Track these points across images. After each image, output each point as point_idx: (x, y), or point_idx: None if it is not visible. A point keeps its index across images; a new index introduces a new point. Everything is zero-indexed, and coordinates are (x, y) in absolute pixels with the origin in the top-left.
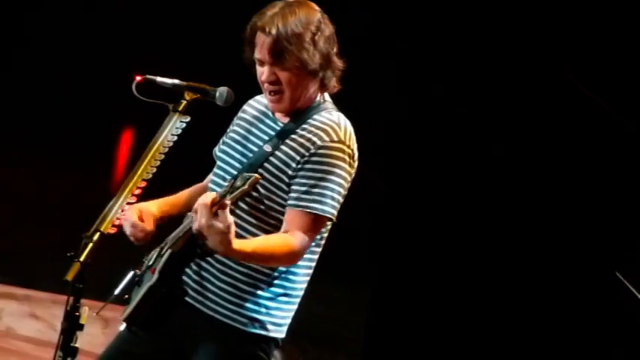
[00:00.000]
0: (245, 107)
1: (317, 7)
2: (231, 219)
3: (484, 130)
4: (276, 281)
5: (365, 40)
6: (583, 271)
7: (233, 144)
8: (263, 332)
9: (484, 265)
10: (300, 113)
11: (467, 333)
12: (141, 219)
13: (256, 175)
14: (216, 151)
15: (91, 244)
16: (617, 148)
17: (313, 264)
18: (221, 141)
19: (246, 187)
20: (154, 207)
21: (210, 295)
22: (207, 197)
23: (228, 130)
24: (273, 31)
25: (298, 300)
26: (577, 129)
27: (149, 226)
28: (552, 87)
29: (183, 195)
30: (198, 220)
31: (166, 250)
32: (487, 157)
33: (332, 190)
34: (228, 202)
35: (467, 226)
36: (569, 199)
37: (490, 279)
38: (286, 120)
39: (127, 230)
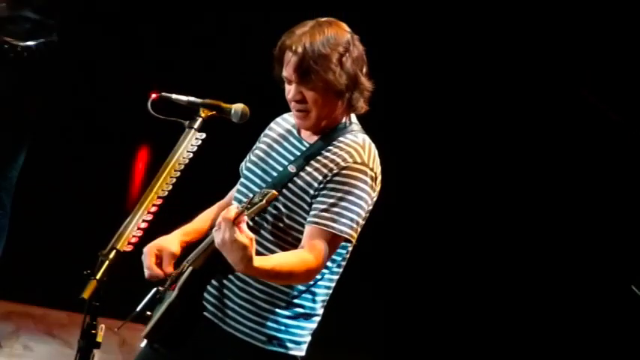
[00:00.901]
0: (272, 125)
1: (347, 28)
2: (252, 235)
3: (494, 132)
4: (295, 300)
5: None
6: (597, 285)
7: (258, 161)
8: (282, 350)
9: (501, 272)
10: (325, 134)
11: (487, 339)
12: (159, 258)
13: (273, 191)
14: (242, 167)
15: (107, 262)
16: (625, 153)
17: (333, 284)
18: (247, 157)
19: (263, 202)
20: (175, 244)
21: (230, 313)
22: (231, 212)
23: (254, 147)
24: (300, 50)
25: (318, 319)
26: (591, 138)
27: (166, 268)
28: (566, 99)
29: (206, 218)
30: (221, 234)
31: (187, 267)
32: (499, 163)
33: (351, 210)
34: (246, 218)
35: (484, 231)
36: (582, 210)
37: (506, 287)
38: (312, 140)
39: (145, 271)
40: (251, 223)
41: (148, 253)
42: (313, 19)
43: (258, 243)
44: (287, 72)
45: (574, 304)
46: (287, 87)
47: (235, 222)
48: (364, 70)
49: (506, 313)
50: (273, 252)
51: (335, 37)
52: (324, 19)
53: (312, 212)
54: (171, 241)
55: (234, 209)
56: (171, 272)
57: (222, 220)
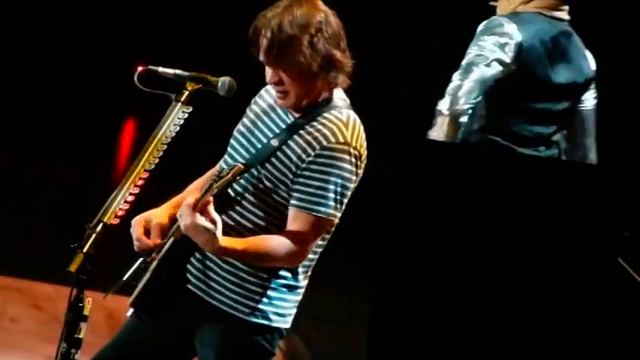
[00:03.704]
0: (262, 93)
1: (321, 7)
2: (217, 217)
3: None
4: (277, 272)
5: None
6: (583, 259)
7: (245, 132)
8: (266, 322)
9: (492, 259)
10: (310, 109)
11: (474, 330)
12: (147, 230)
13: (239, 164)
14: (235, 132)
15: (94, 235)
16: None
17: (315, 256)
18: (240, 122)
19: (229, 176)
20: (163, 215)
21: (213, 284)
22: (191, 198)
23: (244, 114)
24: (268, 34)
25: (302, 291)
26: None
27: (155, 239)
28: None
29: (195, 188)
30: (182, 221)
31: (169, 238)
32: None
33: (335, 192)
34: (211, 198)
35: (476, 222)
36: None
37: (496, 273)
38: (297, 114)
39: (134, 243)
40: (239, 199)
41: (137, 224)
42: None
43: (245, 219)
44: (260, 56)
45: (562, 281)
46: (266, 69)
47: (197, 206)
48: (341, 45)
49: (501, 285)
50: (263, 228)
51: (305, 17)
52: None
53: (296, 194)
54: (160, 213)
55: (195, 195)
56: (159, 243)
57: (182, 207)
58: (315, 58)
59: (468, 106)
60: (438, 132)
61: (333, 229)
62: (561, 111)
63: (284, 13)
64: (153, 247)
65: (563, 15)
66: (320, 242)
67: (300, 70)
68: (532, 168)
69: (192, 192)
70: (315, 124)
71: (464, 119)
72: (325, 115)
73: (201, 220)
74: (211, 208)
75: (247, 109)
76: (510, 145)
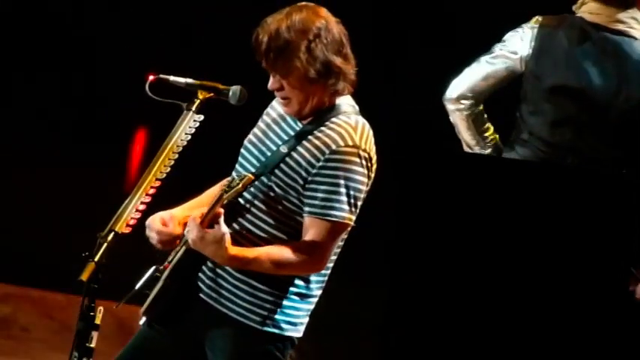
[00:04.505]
0: (274, 103)
1: (323, 13)
2: (225, 229)
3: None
4: (289, 280)
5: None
6: (594, 268)
7: (255, 141)
8: (277, 331)
9: (502, 262)
10: (317, 115)
11: (486, 334)
12: (165, 225)
13: (249, 175)
14: (245, 142)
15: (105, 244)
16: None
17: (330, 265)
18: (251, 132)
19: (239, 186)
20: (178, 211)
21: (224, 293)
22: (198, 212)
23: (256, 125)
24: (265, 39)
25: (315, 300)
26: None
27: (175, 230)
28: None
29: (211, 194)
30: (189, 236)
31: (181, 247)
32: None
33: (349, 195)
34: (221, 210)
35: (485, 222)
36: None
37: (507, 276)
38: (305, 121)
39: (154, 239)
40: (248, 207)
41: (154, 219)
42: (294, 5)
43: (257, 227)
44: (261, 61)
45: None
46: (270, 77)
47: (204, 220)
48: (343, 52)
49: (511, 290)
50: (274, 236)
51: (303, 22)
52: (300, 4)
53: (309, 201)
54: (175, 211)
55: (201, 209)
56: (179, 234)
57: (189, 221)
58: (313, 63)
59: (467, 94)
60: (452, 120)
61: (345, 236)
62: (603, 120)
63: (283, 19)
64: (175, 237)
65: (603, 21)
66: (335, 250)
67: (297, 76)
68: (535, 173)
69: (206, 199)
70: (323, 129)
71: (456, 108)
72: (333, 120)
73: (207, 234)
74: (221, 220)
75: (259, 120)
76: (536, 149)
